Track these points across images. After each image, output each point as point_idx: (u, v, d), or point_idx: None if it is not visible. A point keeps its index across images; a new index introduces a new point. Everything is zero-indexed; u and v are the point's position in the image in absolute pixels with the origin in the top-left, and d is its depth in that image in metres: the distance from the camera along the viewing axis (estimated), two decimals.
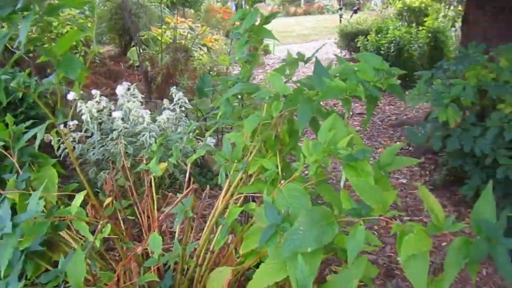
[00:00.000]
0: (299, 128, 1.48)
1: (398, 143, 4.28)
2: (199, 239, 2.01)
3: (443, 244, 2.71)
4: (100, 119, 3.08)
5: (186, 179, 2.14)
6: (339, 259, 2.30)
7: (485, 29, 3.72)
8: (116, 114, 2.98)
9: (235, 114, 2.04)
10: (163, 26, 6.28)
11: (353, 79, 1.53)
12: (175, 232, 2.15)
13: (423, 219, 3.01)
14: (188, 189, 1.58)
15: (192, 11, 9.45)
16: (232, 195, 1.84)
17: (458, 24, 6.95)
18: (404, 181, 3.53)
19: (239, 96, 2.17)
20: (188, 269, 1.92)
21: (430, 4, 8.49)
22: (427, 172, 3.64)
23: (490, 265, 2.56)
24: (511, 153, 2.69)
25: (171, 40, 6.30)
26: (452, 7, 8.74)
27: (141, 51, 5.04)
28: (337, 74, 1.58)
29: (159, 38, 6.00)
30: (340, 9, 12.53)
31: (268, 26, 1.85)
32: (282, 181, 1.51)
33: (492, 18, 3.66)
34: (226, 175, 1.88)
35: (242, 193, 1.86)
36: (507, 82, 2.68)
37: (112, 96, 3.45)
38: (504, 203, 2.73)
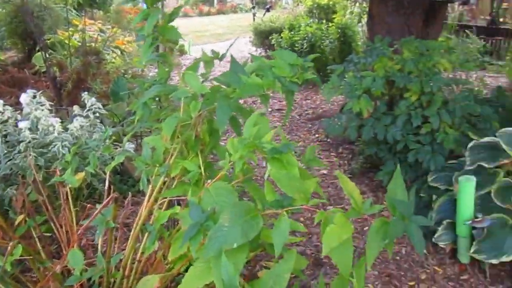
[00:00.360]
0: (219, 127, 1.47)
1: (316, 136, 4.43)
2: (124, 250, 1.92)
3: (365, 229, 2.84)
4: (5, 130, 2.84)
5: (106, 187, 2.04)
6: (269, 255, 2.33)
7: (388, 24, 3.97)
8: (23, 125, 2.76)
9: (153, 117, 1.98)
10: (71, 29, 5.95)
11: (269, 75, 1.54)
12: (98, 245, 2.04)
13: (345, 207, 3.14)
14: (108, 199, 1.50)
15: (101, 12, 9.06)
16: (156, 200, 1.79)
17: (364, 20, 7.36)
18: (325, 172, 3.66)
19: (157, 99, 2.11)
20: (114, 282, 1.83)
21: (338, 1, 8.87)
22: (346, 162, 3.80)
23: (408, 244, 2.72)
24: (419, 138, 2.89)
25: (80, 44, 5.98)
26: (358, 4, 9.21)
27: (47, 56, 4.72)
28: (254, 71, 1.59)
29: (67, 42, 5.67)
30: (253, 7, 12.71)
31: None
32: (208, 181, 1.49)
33: (394, 13, 3.91)
34: (148, 180, 1.82)
35: (166, 198, 1.81)
36: (411, 72, 2.87)
37: (17, 106, 3.20)
38: (416, 185, 2.94)
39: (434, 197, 2.69)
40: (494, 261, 2.28)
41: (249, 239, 1.09)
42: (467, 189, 2.30)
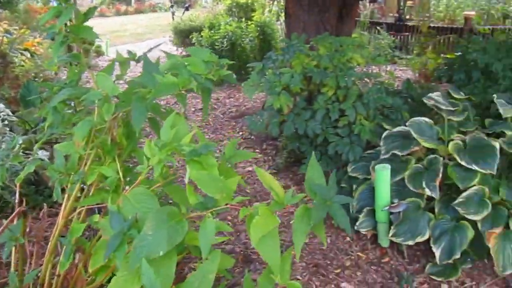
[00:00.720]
0: (135, 129, 1.42)
1: (240, 133, 4.45)
2: (42, 265, 1.80)
3: (292, 222, 2.91)
4: None
5: (17, 200, 1.90)
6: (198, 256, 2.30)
7: (304, 21, 4.09)
8: None
9: (66, 122, 1.87)
10: None
11: (184, 73, 1.51)
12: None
13: (271, 202, 3.19)
14: (14, 213, 1.39)
15: (8, 12, 8.41)
16: (74, 210, 1.69)
17: (282, 18, 7.52)
18: (251, 168, 3.69)
19: (71, 103, 2.00)
20: None
21: (256, 0, 8.99)
22: (270, 157, 3.86)
23: (333, 234, 2.82)
24: (337, 131, 3.00)
25: None
26: (276, 2, 9.39)
27: None
28: (168, 70, 1.56)
29: None
30: (172, 6, 12.49)
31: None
32: (127, 187, 1.44)
33: (309, 11, 4.03)
34: (63, 189, 1.72)
35: (84, 206, 1.72)
36: (326, 68, 2.97)
37: None
38: (337, 175, 3.05)
39: (354, 186, 2.82)
40: (411, 242, 2.44)
41: (176, 244, 1.07)
42: (383, 177, 2.43)
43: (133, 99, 1.48)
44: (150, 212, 1.13)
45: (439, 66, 4.21)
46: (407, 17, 9.06)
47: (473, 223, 2.38)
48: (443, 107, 2.69)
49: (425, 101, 2.79)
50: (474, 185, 2.41)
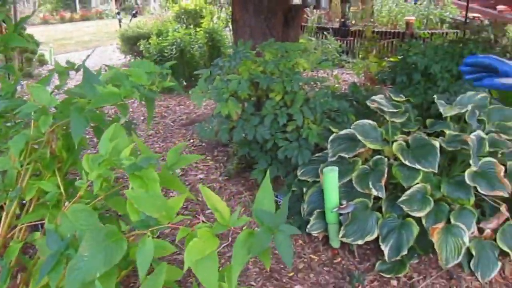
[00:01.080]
0: (74, 141, 1.37)
1: (191, 141, 4.41)
2: None
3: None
4: None
5: None
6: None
7: (251, 27, 4.11)
8: None
9: (3, 136, 1.79)
10: None
11: (127, 84, 1.48)
12: None
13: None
14: None
15: None
16: (14, 227, 1.62)
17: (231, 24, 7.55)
18: (202, 176, 3.66)
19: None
20: None
21: (204, 7, 8.98)
22: (222, 164, 3.84)
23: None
24: (286, 135, 3.03)
25: None
26: (224, 9, 9.42)
27: None
28: (109, 80, 1.52)
29: None
30: (118, 13, 12.22)
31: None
32: (66, 203, 1.38)
33: (255, 17, 4.06)
34: (1, 207, 1.64)
35: (24, 224, 1.64)
36: (273, 74, 3.00)
37: None
38: (288, 180, 3.08)
39: (304, 189, 2.85)
40: (360, 242, 2.50)
41: (114, 264, 1.03)
42: (330, 180, 2.48)
43: (72, 110, 1.43)
44: (86, 232, 1.08)
45: (382, 70, 4.36)
46: (352, 22, 9.33)
47: (418, 220, 2.47)
48: (386, 109, 2.78)
49: (368, 104, 2.87)
50: (417, 183, 2.51)
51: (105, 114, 1.82)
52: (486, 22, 11.03)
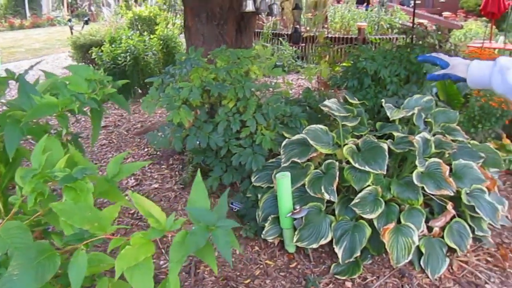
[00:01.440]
0: (8, 154, 1.30)
1: (146, 150, 4.33)
2: None
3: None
4: None
5: None
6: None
7: (204, 34, 4.10)
8: None
9: None
10: None
11: (66, 93, 1.43)
12: None
13: (178, 218, 3.12)
14: None
15: None
16: None
17: None
18: (156, 185, 3.60)
19: None
20: None
21: (159, 13, 8.87)
22: (177, 172, 3.79)
23: (241, 244, 2.83)
24: (240, 142, 3.03)
25: None
26: (179, 16, 9.34)
27: None
28: (47, 90, 1.46)
29: None
30: (69, 20, 11.89)
31: None
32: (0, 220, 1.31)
33: (207, 24, 4.05)
34: None
35: None
36: (224, 80, 2.99)
37: None
38: (243, 186, 3.08)
39: (259, 195, 2.86)
40: (315, 246, 2.52)
41: (46, 281, 0.98)
42: (283, 185, 2.49)
43: (7, 123, 1.37)
44: (16, 250, 1.03)
45: (335, 74, 4.44)
46: (307, 28, 9.49)
47: (370, 221, 2.52)
48: (336, 113, 2.83)
49: (321, 108, 2.91)
50: (369, 186, 2.56)
51: (49, 126, 1.75)
52: (434, 27, 11.49)
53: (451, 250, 2.62)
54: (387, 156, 2.58)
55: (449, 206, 2.60)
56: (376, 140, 2.71)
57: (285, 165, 2.69)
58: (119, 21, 10.05)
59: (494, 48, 8.01)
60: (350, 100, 3.22)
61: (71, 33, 10.13)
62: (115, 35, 7.51)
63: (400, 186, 2.63)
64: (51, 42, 14.57)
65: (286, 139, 2.81)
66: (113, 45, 6.97)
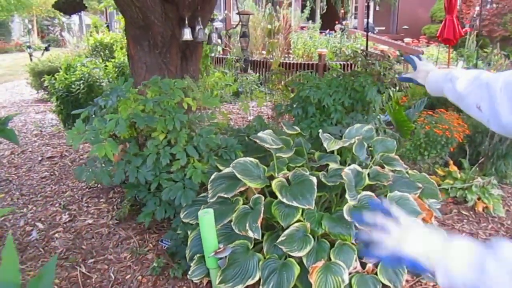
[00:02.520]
0: None
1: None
2: None
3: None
4: None
5: None
6: None
7: (146, 63, 3.99)
8: None
9: None
10: None
11: None
12: None
13: (108, 257, 2.95)
14: None
15: None
16: None
17: None
18: (91, 221, 3.42)
19: None
20: None
21: (119, 40, 8.77)
22: (115, 207, 3.62)
23: (169, 284, 2.67)
24: (170, 175, 2.90)
25: None
26: None
27: None
28: None
29: None
30: (29, 47, 11.68)
31: None
32: None
33: (149, 53, 3.95)
34: None
35: None
36: (154, 112, 2.88)
37: None
38: (175, 222, 2.93)
39: (189, 232, 2.71)
40: (241, 287, 2.37)
41: None
42: (206, 222, 2.36)
43: None
44: None
45: (282, 103, 4.39)
46: (269, 54, 9.51)
47: (301, 259, 2.40)
48: (268, 146, 2.74)
49: (253, 139, 2.82)
50: (297, 222, 2.45)
51: None
52: (397, 53, 11.67)
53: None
54: (316, 190, 2.48)
55: None
56: (306, 173, 2.61)
57: (212, 200, 2.57)
58: (81, 47, 9.89)
59: None
60: (287, 131, 3.15)
61: (30, 59, 9.92)
62: (72, 62, 7.37)
63: (332, 221, 2.52)
64: (15, 68, 14.27)
65: (215, 173, 2.69)
66: (68, 73, 6.82)
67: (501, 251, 0.79)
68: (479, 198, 3.70)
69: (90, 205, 3.69)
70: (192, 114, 3.12)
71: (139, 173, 2.85)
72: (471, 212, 3.61)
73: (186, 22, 3.77)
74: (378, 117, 4.00)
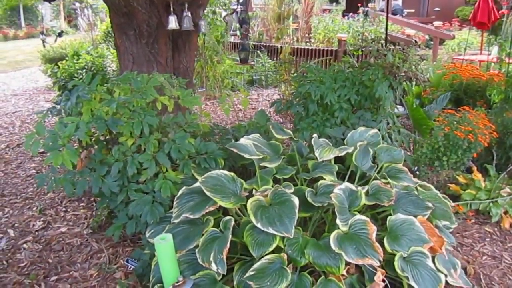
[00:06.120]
0: None
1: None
2: None
3: None
4: None
5: None
6: None
7: (133, 54, 3.63)
8: None
9: None
10: None
11: None
12: None
13: (73, 273, 2.65)
14: None
15: None
16: None
17: None
18: (64, 229, 3.12)
19: None
20: None
21: None
22: (94, 213, 3.31)
23: None
24: (140, 186, 2.55)
25: None
26: None
27: None
28: None
29: None
30: (42, 33, 11.53)
31: None
32: None
33: (136, 44, 3.59)
34: None
35: None
36: (121, 115, 2.52)
37: None
38: (144, 239, 2.58)
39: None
40: None
41: None
42: (163, 251, 1.98)
43: None
44: None
45: (285, 98, 3.96)
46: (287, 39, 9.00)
47: None
48: (247, 156, 2.34)
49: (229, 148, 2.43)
50: (276, 249, 2.06)
51: None
52: (426, 37, 10.92)
53: None
54: (296, 214, 2.07)
55: (378, 276, 2.08)
56: (288, 192, 2.20)
57: (176, 221, 2.19)
58: (94, 32, 9.65)
59: (480, 61, 7.50)
60: (276, 135, 2.74)
61: (44, 46, 9.76)
62: (79, 49, 7.13)
63: (318, 249, 2.11)
64: (35, 54, 14.25)
65: (184, 188, 2.31)
66: (73, 61, 6.58)
67: None
68: (505, 212, 3.19)
69: (68, 209, 3.39)
70: (167, 115, 2.74)
71: (103, 183, 2.51)
72: (496, 229, 3.11)
73: (172, 8, 3.37)
74: (391, 114, 3.52)
